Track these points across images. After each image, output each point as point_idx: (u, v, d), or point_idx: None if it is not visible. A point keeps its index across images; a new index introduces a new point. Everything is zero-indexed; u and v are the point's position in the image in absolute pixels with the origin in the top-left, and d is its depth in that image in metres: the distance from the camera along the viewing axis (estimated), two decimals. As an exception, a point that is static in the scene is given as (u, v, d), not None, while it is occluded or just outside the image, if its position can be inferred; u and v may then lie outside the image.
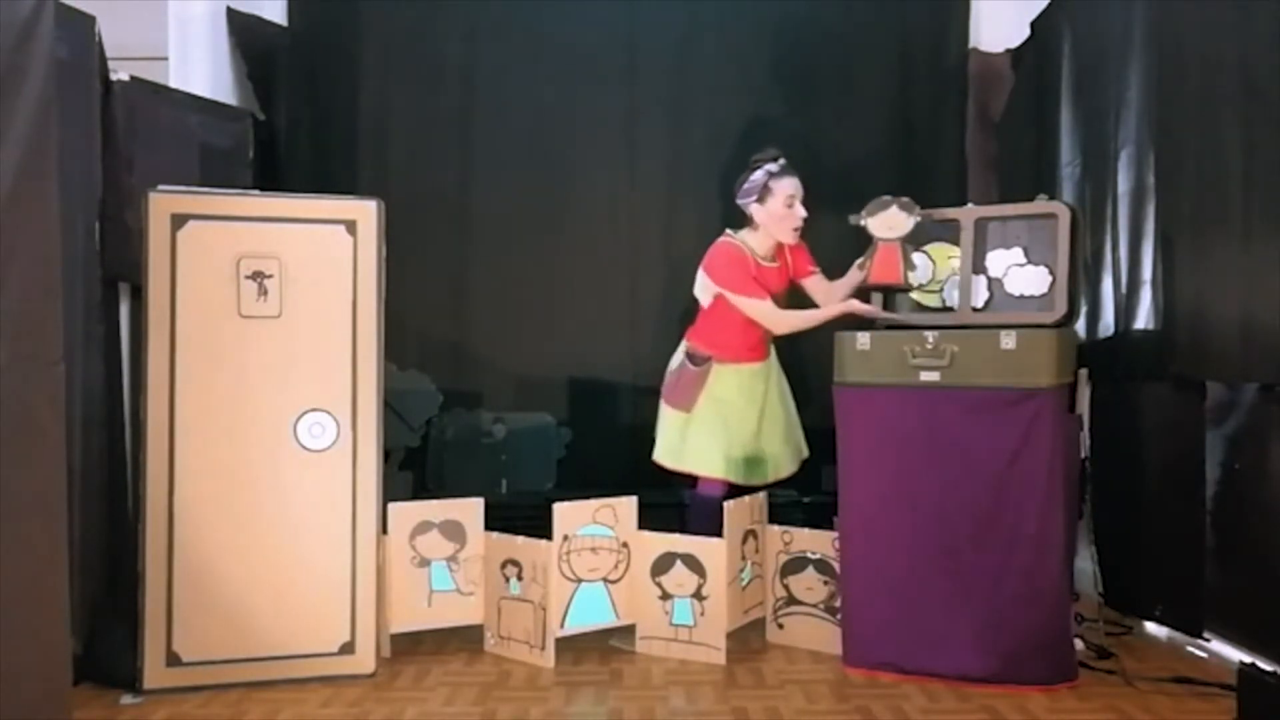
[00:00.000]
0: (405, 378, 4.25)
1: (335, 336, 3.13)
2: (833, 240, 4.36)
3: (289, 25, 4.44)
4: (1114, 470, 3.54)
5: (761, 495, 3.53)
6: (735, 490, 3.51)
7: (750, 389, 3.58)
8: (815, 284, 3.61)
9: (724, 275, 3.48)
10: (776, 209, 3.49)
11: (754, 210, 3.52)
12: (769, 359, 3.67)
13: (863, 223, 3.29)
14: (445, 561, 3.33)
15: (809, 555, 3.39)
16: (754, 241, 3.55)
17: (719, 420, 3.52)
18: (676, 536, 3.37)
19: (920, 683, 3.03)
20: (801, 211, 3.50)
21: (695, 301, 3.65)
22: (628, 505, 3.37)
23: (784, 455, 3.65)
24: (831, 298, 3.50)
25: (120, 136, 3.32)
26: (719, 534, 3.30)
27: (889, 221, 3.23)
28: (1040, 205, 3.16)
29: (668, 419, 3.59)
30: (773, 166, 3.50)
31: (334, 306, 3.13)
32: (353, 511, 3.14)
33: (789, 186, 3.48)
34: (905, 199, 3.25)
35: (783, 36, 4.49)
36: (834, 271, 3.63)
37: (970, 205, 3.36)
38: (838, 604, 3.27)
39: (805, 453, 3.72)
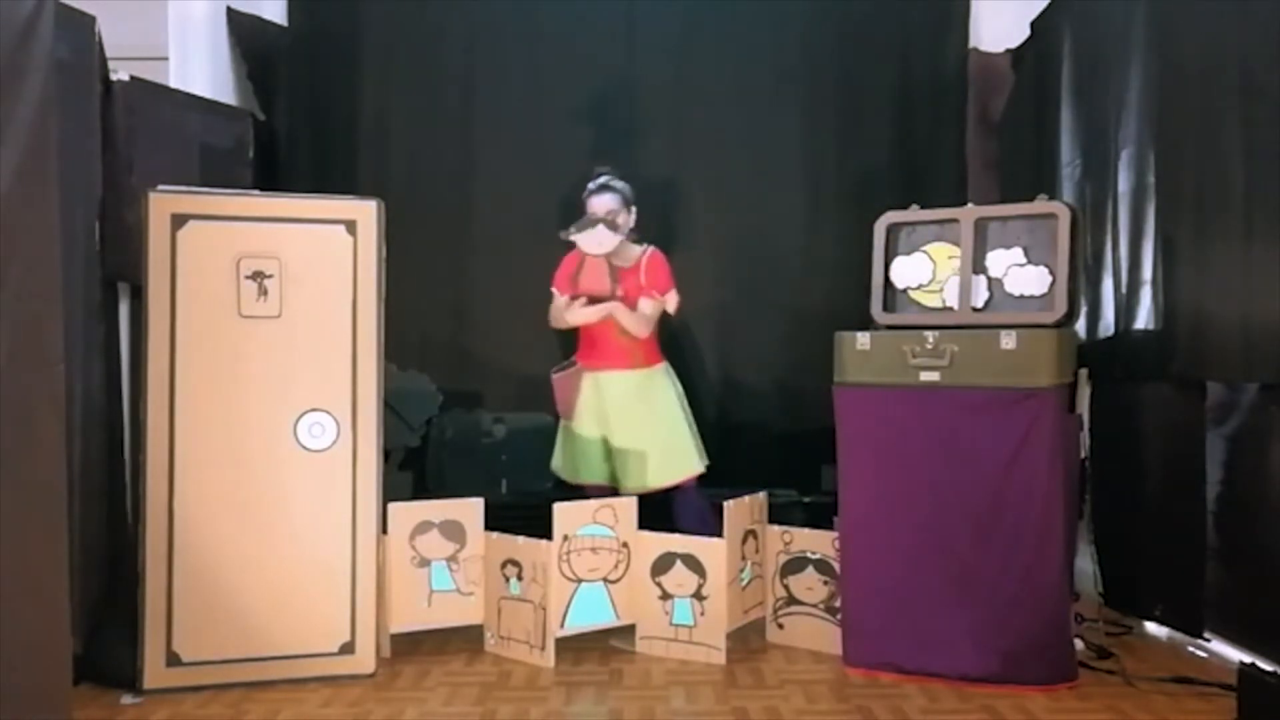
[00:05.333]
0: (405, 378, 4.24)
1: (335, 336, 3.13)
2: (833, 237, 4.40)
3: (289, 25, 4.45)
4: (1114, 470, 3.55)
5: (761, 495, 3.53)
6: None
7: (599, 396, 3.66)
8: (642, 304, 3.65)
9: None
10: None
11: None
12: (639, 370, 3.67)
13: (571, 238, 3.57)
14: (445, 561, 3.33)
15: (809, 555, 3.39)
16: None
17: (572, 427, 3.72)
18: (676, 536, 3.37)
19: (920, 683, 3.03)
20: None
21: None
22: (628, 505, 3.37)
23: (638, 469, 3.59)
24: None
25: (120, 136, 3.32)
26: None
27: (597, 239, 3.53)
28: (1040, 205, 3.16)
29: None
30: (592, 185, 3.66)
31: (334, 306, 3.13)
32: (353, 511, 3.14)
33: (590, 204, 3.63)
34: (610, 220, 3.53)
35: (782, 37, 4.50)
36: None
37: (970, 205, 3.36)
38: (838, 604, 3.27)
39: (678, 473, 3.61)
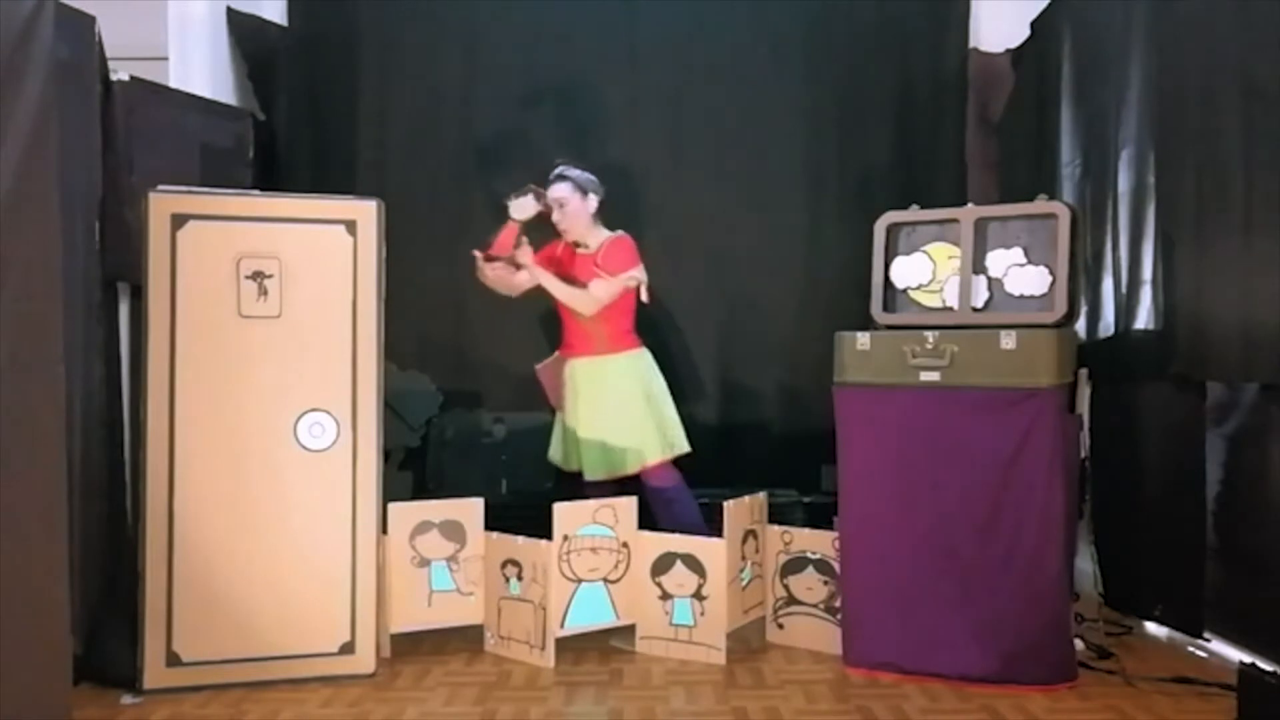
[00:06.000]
0: (405, 378, 4.24)
1: (335, 336, 3.13)
2: (834, 237, 4.40)
3: (289, 25, 4.45)
4: (1114, 470, 3.55)
5: (761, 495, 3.53)
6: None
7: (575, 383, 3.71)
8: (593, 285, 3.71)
9: None
10: None
11: None
12: (600, 356, 3.68)
13: (507, 202, 3.70)
14: (445, 561, 3.33)
15: (809, 555, 3.39)
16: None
17: (562, 417, 3.79)
18: (676, 536, 3.37)
19: (920, 683, 3.03)
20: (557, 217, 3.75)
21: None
22: (628, 505, 3.37)
23: (590, 455, 3.62)
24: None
25: (120, 136, 3.31)
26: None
27: (522, 206, 3.67)
28: (1040, 205, 3.16)
29: None
30: (552, 175, 3.77)
31: (334, 306, 3.13)
32: (353, 511, 3.14)
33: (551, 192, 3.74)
34: (542, 190, 3.68)
35: (783, 38, 4.50)
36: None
37: (970, 205, 3.36)
38: (838, 604, 3.27)
39: (632, 462, 3.58)
